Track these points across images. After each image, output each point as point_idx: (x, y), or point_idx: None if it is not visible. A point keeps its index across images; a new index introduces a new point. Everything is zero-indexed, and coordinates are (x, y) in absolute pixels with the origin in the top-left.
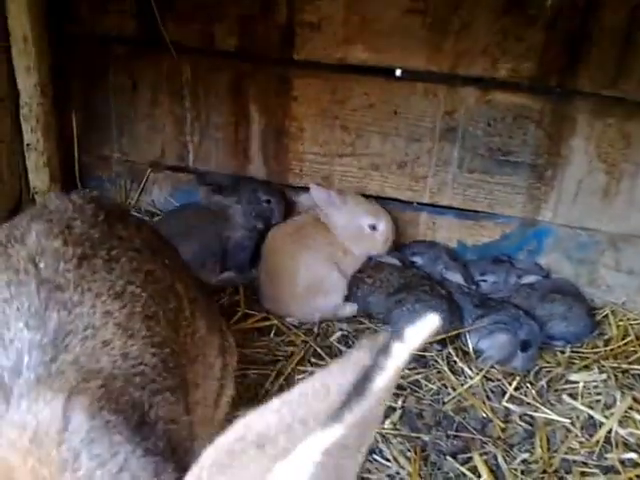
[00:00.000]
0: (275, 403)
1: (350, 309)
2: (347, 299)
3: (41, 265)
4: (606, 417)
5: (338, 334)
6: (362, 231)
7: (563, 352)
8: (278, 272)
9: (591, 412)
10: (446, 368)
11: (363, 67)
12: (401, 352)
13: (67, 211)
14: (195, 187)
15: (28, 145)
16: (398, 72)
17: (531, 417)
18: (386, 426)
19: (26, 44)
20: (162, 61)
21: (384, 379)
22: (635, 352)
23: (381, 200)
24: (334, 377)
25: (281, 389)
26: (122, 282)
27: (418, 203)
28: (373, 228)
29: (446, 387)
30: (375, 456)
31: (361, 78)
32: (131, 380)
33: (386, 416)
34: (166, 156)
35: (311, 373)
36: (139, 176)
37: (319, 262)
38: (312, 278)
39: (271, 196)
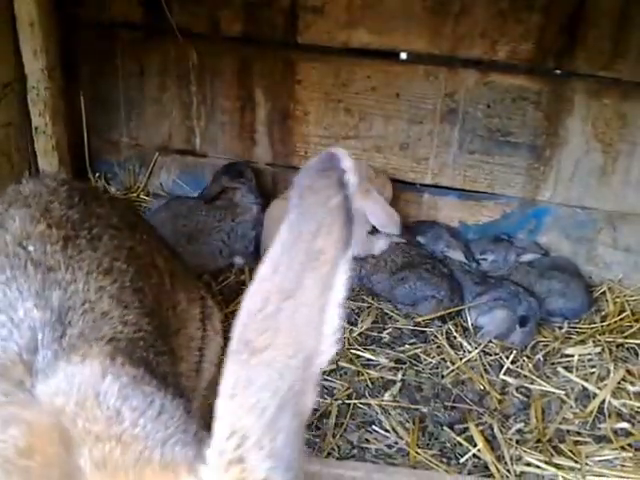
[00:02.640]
0: (268, 266)
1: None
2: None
3: (30, 248)
4: (600, 389)
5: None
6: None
7: (560, 327)
8: None
9: (585, 384)
10: (445, 343)
11: (366, 50)
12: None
13: (43, 195)
14: (202, 170)
15: (36, 129)
16: (403, 55)
17: (527, 389)
18: (385, 398)
19: (33, 28)
20: (169, 46)
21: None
22: (630, 327)
23: None
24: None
25: None
26: (108, 259)
27: (420, 184)
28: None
29: (445, 361)
30: (374, 427)
31: (363, 61)
32: (136, 343)
33: (386, 389)
34: (173, 140)
35: None
36: (147, 160)
37: None
38: None
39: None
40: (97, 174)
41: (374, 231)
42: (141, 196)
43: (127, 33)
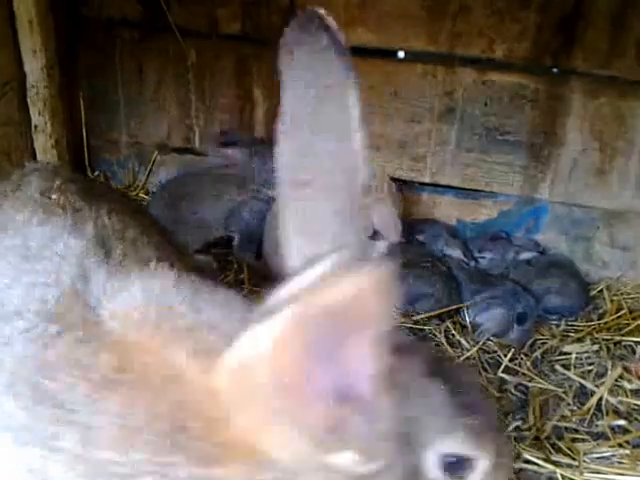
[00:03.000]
0: (287, 114)
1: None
2: None
3: (54, 196)
4: (597, 386)
5: None
6: None
7: (558, 325)
8: None
9: (583, 381)
10: (444, 341)
11: (363, 49)
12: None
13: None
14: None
15: (36, 127)
16: (401, 54)
17: (525, 387)
18: None
19: (32, 26)
20: (167, 45)
21: None
22: (628, 325)
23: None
24: None
25: None
26: (121, 204)
27: (419, 183)
28: None
29: None
30: None
31: (361, 60)
32: (173, 259)
33: None
34: (172, 138)
35: None
36: (146, 158)
37: None
38: None
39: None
40: (96, 172)
41: (374, 236)
42: (140, 195)
43: (126, 31)
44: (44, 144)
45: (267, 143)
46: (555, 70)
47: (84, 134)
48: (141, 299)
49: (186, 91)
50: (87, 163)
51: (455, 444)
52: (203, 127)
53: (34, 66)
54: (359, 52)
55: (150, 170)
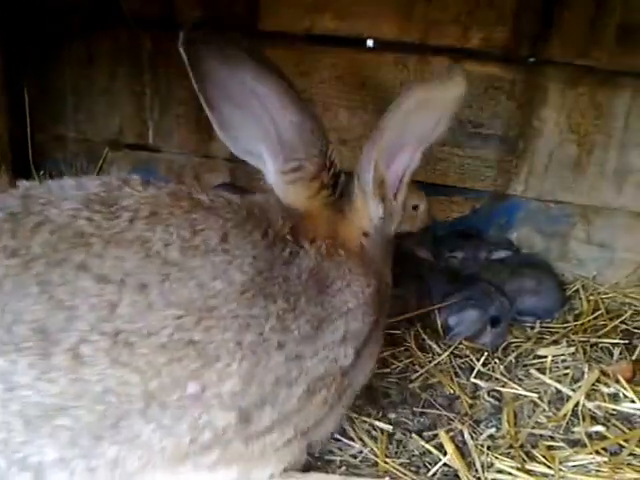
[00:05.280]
0: None
1: None
2: None
3: None
4: (573, 390)
5: None
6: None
7: (533, 327)
8: None
9: (559, 386)
10: (414, 345)
11: (330, 37)
12: None
13: None
14: (155, 166)
15: None
16: (370, 42)
17: (499, 393)
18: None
19: None
20: (121, 33)
21: None
22: (605, 326)
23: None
24: None
25: None
26: None
27: None
28: (414, 208)
29: (414, 364)
30: (338, 436)
31: (328, 49)
32: None
33: None
34: (125, 134)
35: None
36: (96, 155)
37: None
38: None
39: None
40: (42, 171)
41: None
42: None
43: (76, 19)
44: None
45: None
46: (532, 60)
47: (28, 130)
48: None
49: (140, 82)
50: (31, 161)
51: None
52: (158, 121)
53: None
54: (325, 40)
55: (100, 168)
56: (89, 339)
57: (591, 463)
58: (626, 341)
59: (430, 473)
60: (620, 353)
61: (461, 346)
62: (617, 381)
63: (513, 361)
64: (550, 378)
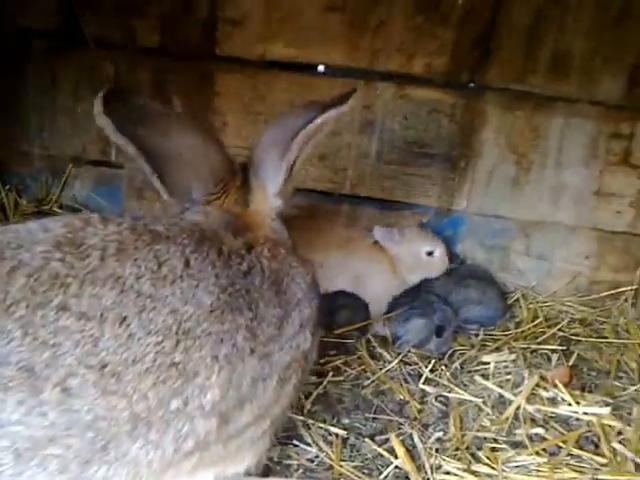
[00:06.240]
0: None
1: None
2: None
3: None
4: (515, 395)
5: None
6: (421, 259)
7: (477, 335)
8: None
9: (501, 391)
10: (366, 353)
11: (284, 63)
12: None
13: None
14: (118, 181)
15: None
16: (321, 68)
17: (446, 398)
18: (307, 411)
19: None
20: (83, 56)
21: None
22: (544, 333)
23: (303, 192)
24: None
25: None
26: None
27: (339, 194)
28: (430, 254)
29: (365, 372)
30: (295, 441)
31: (281, 74)
32: None
33: (307, 402)
34: (88, 151)
35: None
36: (60, 171)
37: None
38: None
39: None
40: (7, 186)
41: None
42: (54, 209)
43: (40, 42)
44: None
45: None
46: (472, 85)
47: None
48: None
49: None
50: None
51: None
52: None
53: None
54: (279, 66)
55: (64, 183)
56: (76, 372)
57: (532, 463)
58: (564, 347)
59: (382, 476)
60: (558, 359)
61: (410, 354)
62: (555, 386)
63: (459, 367)
64: (493, 383)
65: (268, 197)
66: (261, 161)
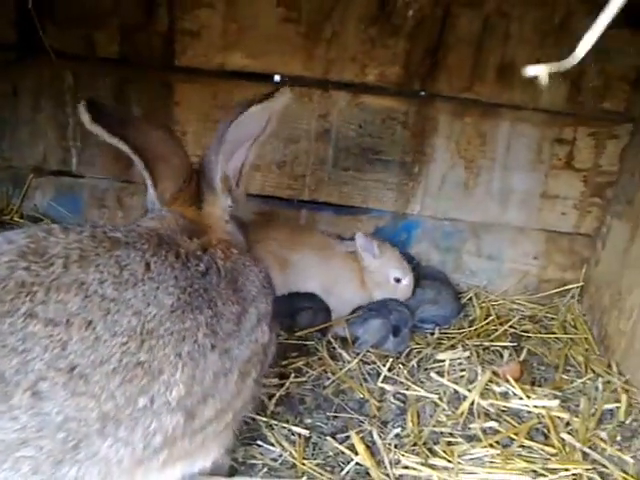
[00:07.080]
0: None
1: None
2: None
3: None
4: (469, 391)
5: None
6: (388, 281)
7: (433, 334)
8: None
9: (456, 387)
10: (326, 354)
11: (242, 73)
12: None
13: None
14: (79, 191)
15: None
16: (277, 78)
17: (403, 395)
18: (269, 411)
19: None
20: (43, 67)
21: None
22: (496, 330)
23: (262, 198)
24: None
25: None
26: None
27: (298, 200)
28: (397, 281)
29: (326, 372)
30: (260, 442)
31: (240, 83)
32: None
33: (269, 403)
34: (49, 161)
35: None
36: (21, 181)
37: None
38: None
39: None
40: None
41: None
42: (15, 219)
43: (0, 53)
44: None
45: None
46: (423, 93)
47: None
48: None
49: (63, 113)
50: None
51: None
52: (81, 149)
53: None
54: (237, 76)
55: (25, 194)
56: (46, 376)
57: (486, 455)
58: (514, 344)
59: (344, 472)
60: (509, 355)
61: (369, 353)
62: (507, 381)
63: (415, 365)
64: (448, 380)
65: (218, 198)
66: (207, 163)
